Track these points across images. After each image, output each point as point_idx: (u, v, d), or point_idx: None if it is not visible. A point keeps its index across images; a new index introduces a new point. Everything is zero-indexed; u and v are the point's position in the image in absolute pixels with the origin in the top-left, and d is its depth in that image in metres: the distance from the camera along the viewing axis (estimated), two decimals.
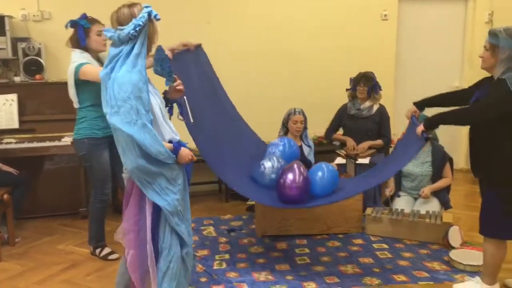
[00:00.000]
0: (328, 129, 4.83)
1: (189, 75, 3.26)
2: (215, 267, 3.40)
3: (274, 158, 3.53)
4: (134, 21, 2.20)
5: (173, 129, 2.41)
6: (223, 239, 3.89)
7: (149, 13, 2.24)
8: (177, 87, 2.48)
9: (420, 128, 2.92)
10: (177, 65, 3.04)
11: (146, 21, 2.22)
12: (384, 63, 5.43)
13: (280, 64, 5.23)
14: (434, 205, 4.00)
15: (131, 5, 2.28)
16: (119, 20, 2.26)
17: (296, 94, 5.15)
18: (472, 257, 3.37)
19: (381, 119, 4.62)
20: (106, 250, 3.56)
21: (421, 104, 3.20)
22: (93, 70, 3.15)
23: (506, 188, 2.67)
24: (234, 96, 5.03)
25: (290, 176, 3.22)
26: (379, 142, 4.57)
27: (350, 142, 4.54)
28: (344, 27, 5.32)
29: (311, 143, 4.41)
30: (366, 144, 4.50)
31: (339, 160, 4.32)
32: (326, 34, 5.30)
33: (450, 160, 4.13)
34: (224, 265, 3.42)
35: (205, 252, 3.65)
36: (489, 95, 2.67)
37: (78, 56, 3.26)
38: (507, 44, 2.57)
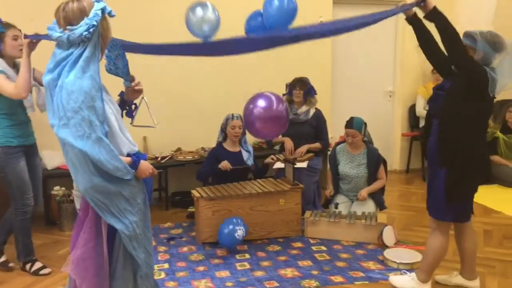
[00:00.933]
0: None
1: None
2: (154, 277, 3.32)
3: None
4: (86, 20, 1.92)
5: (131, 139, 2.17)
6: (162, 248, 3.82)
7: (103, 10, 1.96)
8: (135, 87, 2.26)
9: None
10: None
11: (99, 20, 1.95)
12: (321, 68, 5.55)
13: (218, 69, 5.22)
14: (369, 206, 4.13)
15: (76, 0, 1.98)
16: (67, 18, 1.95)
17: (234, 100, 5.14)
18: (405, 255, 3.50)
19: (318, 123, 4.72)
20: (37, 264, 3.39)
21: None
22: (3, 85, 3.03)
23: (454, 168, 2.79)
24: (173, 101, 5.03)
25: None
26: (317, 145, 4.66)
27: (288, 142, 4.60)
28: None
29: (250, 148, 4.43)
30: (304, 148, 4.58)
31: (278, 165, 4.37)
32: None
33: (384, 162, 4.29)
34: (162, 275, 3.36)
35: None
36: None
37: None
38: (482, 46, 2.74)
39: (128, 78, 2.23)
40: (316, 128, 4.70)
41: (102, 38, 2.00)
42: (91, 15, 1.93)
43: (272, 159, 4.41)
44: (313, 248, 3.80)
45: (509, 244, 3.82)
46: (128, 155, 2.12)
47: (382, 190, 4.31)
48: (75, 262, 2.09)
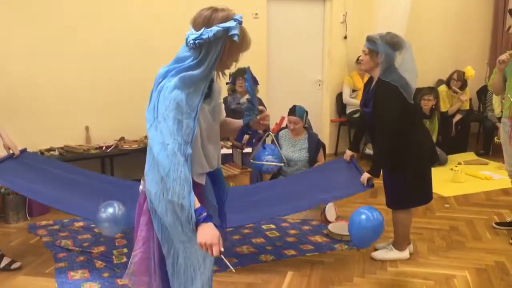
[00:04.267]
0: None
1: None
2: (115, 262, 3.43)
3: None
4: (201, 30, 1.75)
5: (212, 160, 1.89)
6: (117, 235, 3.87)
7: (225, 30, 1.74)
8: (261, 121, 2.07)
9: (366, 176, 3.22)
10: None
11: (214, 37, 1.73)
12: (257, 60, 5.81)
13: (158, 59, 5.29)
14: None
15: (218, 10, 1.78)
16: (194, 21, 1.80)
17: None
18: (346, 228, 3.89)
19: None
20: (6, 260, 3.31)
21: (353, 148, 3.76)
22: None
23: (409, 172, 3.20)
24: (115, 90, 5.03)
25: None
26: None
27: None
28: None
29: None
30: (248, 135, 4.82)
31: (225, 151, 4.58)
32: None
33: (323, 146, 4.66)
34: (124, 259, 3.46)
35: (101, 248, 3.64)
36: (378, 108, 3.14)
37: None
38: (383, 48, 3.07)
39: (255, 112, 2.05)
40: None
41: (220, 60, 1.79)
42: (210, 28, 1.75)
43: (221, 146, 4.60)
44: (263, 227, 4.09)
45: (431, 215, 4.37)
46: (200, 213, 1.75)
47: None
48: (138, 262, 1.91)
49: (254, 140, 2.17)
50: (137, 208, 1.93)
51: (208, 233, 1.72)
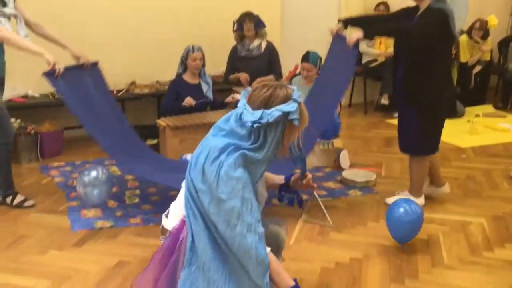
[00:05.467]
0: (225, 73, 5.00)
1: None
2: (127, 202, 3.42)
3: None
4: (258, 112, 1.69)
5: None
6: (130, 177, 3.88)
7: (285, 114, 1.70)
8: (306, 184, 2.04)
9: (355, 36, 2.99)
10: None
11: (274, 121, 1.69)
12: (271, 5, 5.62)
13: (173, 2, 5.13)
14: None
15: (277, 88, 1.74)
16: (251, 98, 1.75)
17: (185, 33, 5.10)
18: (360, 175, 3.84)
19: (271, 55, 4.86)
20: (19, 197, 3.32)
21: (346, 22, 3.30)
22: None
23: (426, 109, 3.08)
24: (126, 33, 4.92)
25: None
26: (270, 77, 4.81)
27: (243, 76, 4.74)
28: None
29: (209, 80, 4.49)
30: (259, 80, 4.71)
31: (238, 96, 4.49)
32: None
33: None
34: (136, 200, 3.46)
35: (114, 189, 3.61)
36: (419, 22, 2.99)
37: None
38: None
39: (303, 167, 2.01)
40: (269, 60, 4.84)
41: (282, 144, 1.78)
42: (269, 110, 1.69)
43: (233, 98, 4.50)
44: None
45: (447, 164, 4.24)
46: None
47: None
48: None
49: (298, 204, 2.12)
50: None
51: None
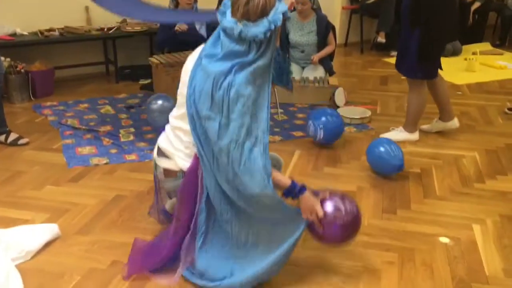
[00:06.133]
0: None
1: None
2: (122, 140, 3.42)
3: None
4: (265, 21, 1.69)
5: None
6: (123, 116, 3.86)
7: (284, 14, 1.73)
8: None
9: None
10: None
11: (279, 24, 1.72)
12: None
13: None
14: (320, 72, 4.37)
15: None
16: (246, 13, 1.70)
17: None
18: (355, 112, 3.83)
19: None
20: (13, 135, 3.30)
21: None
22: None
23: (430, 30, 3.00)
24: None
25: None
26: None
27: None
28: None
29: None
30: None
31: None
32: None
33: (333, 28, 4.46)
34: (131, 137, 3.45)
35: (108, 127, 3.61)
36: None
37: None
38: None
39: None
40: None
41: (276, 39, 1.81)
42: (271, 16, 1.70)
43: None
44: (271, 110, 4.02)
45: None
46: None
47: (330, 56, 4.53)
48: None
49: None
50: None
51: (307, 203, 1.88)
